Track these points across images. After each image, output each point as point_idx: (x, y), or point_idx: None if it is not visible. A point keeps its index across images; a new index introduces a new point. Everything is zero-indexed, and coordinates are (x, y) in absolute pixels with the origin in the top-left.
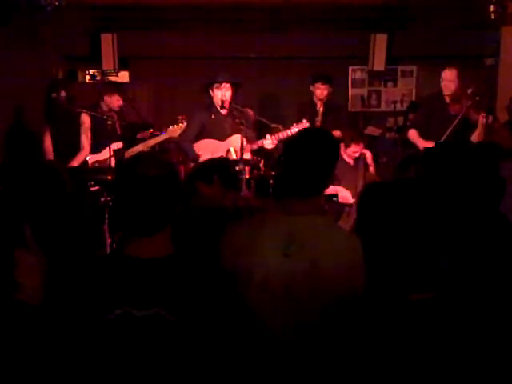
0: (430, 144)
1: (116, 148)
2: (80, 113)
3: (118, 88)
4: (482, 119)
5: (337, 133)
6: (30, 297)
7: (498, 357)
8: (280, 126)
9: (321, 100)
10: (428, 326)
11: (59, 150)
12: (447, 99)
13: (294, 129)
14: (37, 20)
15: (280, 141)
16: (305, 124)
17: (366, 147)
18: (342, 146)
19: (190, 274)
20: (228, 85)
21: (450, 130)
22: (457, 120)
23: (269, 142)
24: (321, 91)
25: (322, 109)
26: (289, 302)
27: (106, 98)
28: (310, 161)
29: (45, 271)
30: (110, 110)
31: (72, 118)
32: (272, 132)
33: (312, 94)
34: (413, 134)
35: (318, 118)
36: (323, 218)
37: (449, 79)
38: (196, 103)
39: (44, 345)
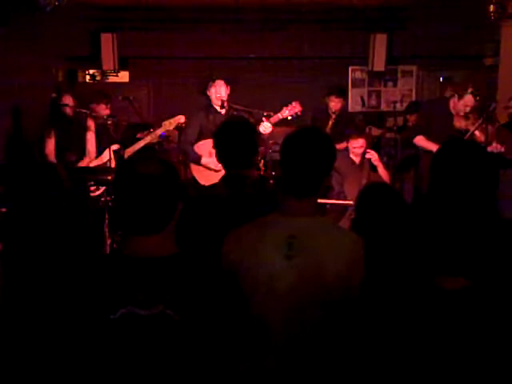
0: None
1: (115, 149)
2: (86, 116)
3: (105, 96)
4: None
5: (341, 146)
6: None
7: None
8: (271, 113)
9: (333, 113)
10: (458, 317)
11: (63, 154)
12: (453, 111)
13: (285, 112)
14: (37, 20)
15: (275, 124)
16: (296, 107)
17: (370, 147)
18: (349, 144)
19: (194, 273)
20: (222, 82)
21: None
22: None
23: (268, 126)
24: (334, 104)
25: (332, 122)
26: (293, 304)
27: (92, 106)
28: (305, 161)
29: None
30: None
31: (77, 121)
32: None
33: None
34: (420, 140)
35: (328, 129)
36: (323, 218)
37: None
38: (196, 103)
39: (47, 345)
